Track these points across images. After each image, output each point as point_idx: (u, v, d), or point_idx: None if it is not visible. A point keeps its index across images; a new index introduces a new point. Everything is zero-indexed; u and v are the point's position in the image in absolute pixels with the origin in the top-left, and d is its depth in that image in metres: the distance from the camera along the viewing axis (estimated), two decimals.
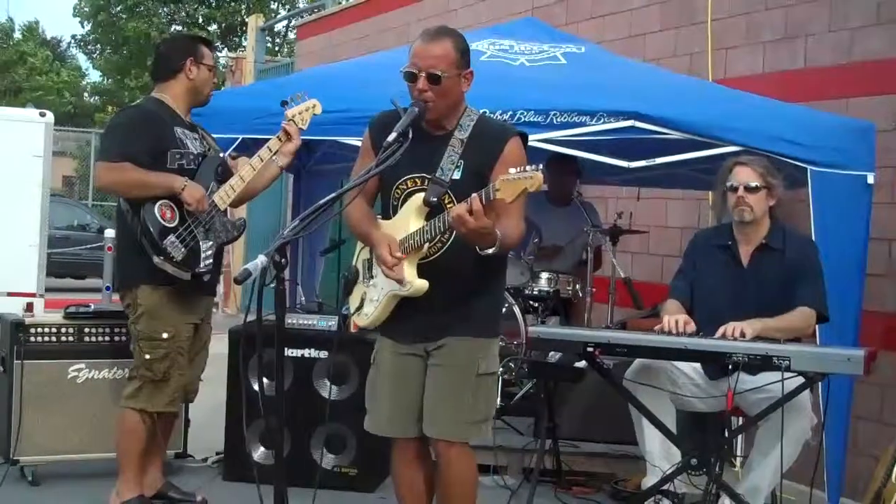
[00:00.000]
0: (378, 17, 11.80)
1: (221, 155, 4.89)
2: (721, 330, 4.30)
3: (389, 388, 3.78)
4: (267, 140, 4.73)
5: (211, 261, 4.64)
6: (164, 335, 4.61)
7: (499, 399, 5.61)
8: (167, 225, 4.50)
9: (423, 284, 3.59)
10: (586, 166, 6.30)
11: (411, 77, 3.59)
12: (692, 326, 4.40)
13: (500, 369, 5.64)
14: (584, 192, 6.87)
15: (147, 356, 4.62)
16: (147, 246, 4.48)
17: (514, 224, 3.59)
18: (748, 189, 4.53)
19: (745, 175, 4.55)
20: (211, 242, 4.63)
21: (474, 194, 3.33)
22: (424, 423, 3.71)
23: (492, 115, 4.52)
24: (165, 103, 4.72)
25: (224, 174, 4.75)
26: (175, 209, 4.53)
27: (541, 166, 3.24)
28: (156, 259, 4.48)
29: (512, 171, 3.25)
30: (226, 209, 4.75)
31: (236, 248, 6.76)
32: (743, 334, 4.22)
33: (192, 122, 4.82)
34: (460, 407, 3.66)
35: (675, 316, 4.45)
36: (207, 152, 4.77)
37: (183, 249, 4.51)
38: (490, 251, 3.45)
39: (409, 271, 3.61)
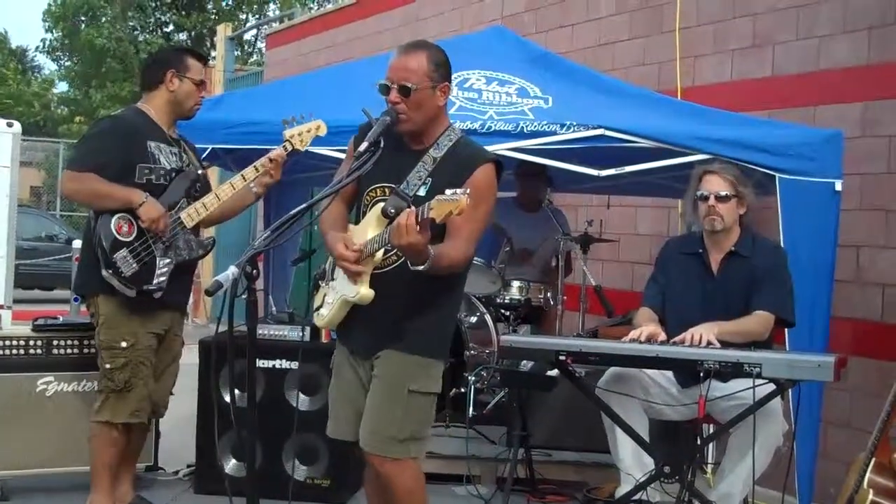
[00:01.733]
0: (348, 25, 11.77)
1: (200, 172, 4.80)
2: (680, 337, 4.31)
3: (347, 394, 3.76)
4: (236, 150, 4.68)
5: (164, 278, 4.56)
6: (123, 343, 4.57)
7: (471, 408, 5.62)
8: (122, 239, 4.46)
9: (368, 293, 3.55)
10: (557, 174, 6.30)
11: (384, 90, 3.59)
12: (662, 339, 4.39)
13: (474, 380, 5.67)
14: (554, 200, 6.88)
15: (108, 365, 4.59)
16: (99, 257, 4.46)
17: (457, 245, 3.52)
18: (718, 198, 4.54)
19: (715, 184, 4.56)
20: (169, 260, 4.57)
21: (410, 209, 3.29)
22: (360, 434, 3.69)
23: (469, 133, 4.45)
24: (147, 114, 4.67)
25: (201, 191, 4.70)
26: (133, 223, 4.49)
27: (467, 191, 3.13)
28: (104, 272, 4.45)
29: (448, 191, 3.18)
30: (197, 227, 4.70)
31: (206, 259, 6.71)
32: (710, 342, 4.24)
33: (174, 136, 4.75)
34: (388, 421, 3.60)
35: (641, 329, 4.47)
36: (184, 168, 4.70)
37: (134, 265, 4.47)
38: (420, 268, 3.38)
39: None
